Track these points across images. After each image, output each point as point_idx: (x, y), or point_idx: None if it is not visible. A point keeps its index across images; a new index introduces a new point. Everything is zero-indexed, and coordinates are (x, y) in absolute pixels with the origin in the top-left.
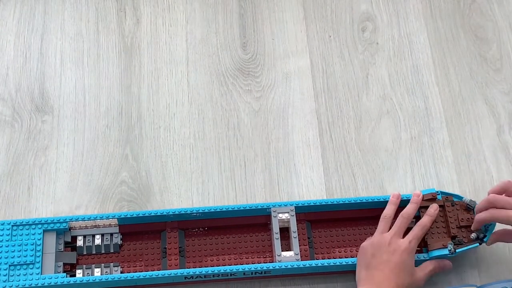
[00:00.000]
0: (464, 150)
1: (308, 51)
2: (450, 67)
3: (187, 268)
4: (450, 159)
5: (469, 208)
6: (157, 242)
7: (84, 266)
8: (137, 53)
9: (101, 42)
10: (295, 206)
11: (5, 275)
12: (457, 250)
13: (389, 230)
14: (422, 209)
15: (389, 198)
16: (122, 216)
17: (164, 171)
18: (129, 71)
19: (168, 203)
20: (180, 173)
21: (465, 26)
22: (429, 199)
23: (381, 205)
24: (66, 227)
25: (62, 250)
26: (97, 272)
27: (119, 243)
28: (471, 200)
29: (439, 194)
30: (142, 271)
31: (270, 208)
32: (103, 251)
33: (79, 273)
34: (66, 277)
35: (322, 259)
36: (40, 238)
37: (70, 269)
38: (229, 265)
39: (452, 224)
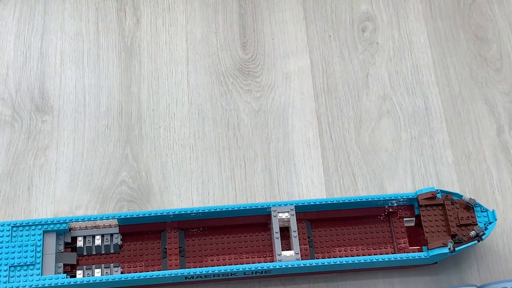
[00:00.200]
0: (464, 150)
1: (308, 51)
2: (450, 67)
3: (187, 268)
4: (450, 159)
5: (468, 206)
6: (157, 242)
7: (85, 266)
8: (137, 53)
9: (101, 42)
10: (295, 206)
11: (5, 276)
12: (456, 249)
13: None
14: (422, 208)
15: (389, 197)
16: (122, 217)
17: (164, 171)
18: (129, 71)
19: (168, 203)
20: (180, 173)
21: (465, 26)
22: (429, 197)
23: (381, 204)
24: (66, 227)
25: (62, 250)
26: (97, 272)
27: (119, 244)
28: (470, 198)
29: (438, 193)
30: (142, 272)
31: (270, 207)
32: (103, 252)
33: (79, 273)
34: (67, 278)
35: (322, 258)
36: (40, 239)
37: (70, 270)
38: (229, 265)
39: (452, 222)
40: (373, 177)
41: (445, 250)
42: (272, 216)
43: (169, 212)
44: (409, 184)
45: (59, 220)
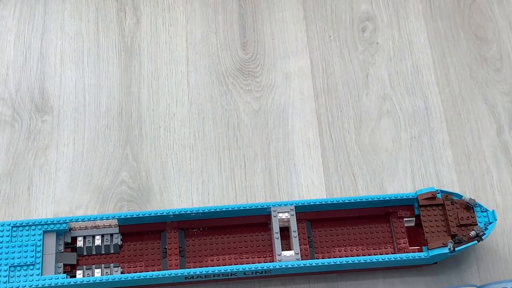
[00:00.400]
0: (464, 150)
1: (308, 51)
2: (450, 67)
3: (187, 268)
4: (450, 159)
5: (468, 206)
6: (157, 242)
7: (85, 266)
8: (137, 53)
9: (101, 42)
10: (295, 206)
11: (5, 276)
12: (456, 249)
13: None
14: (422, 208)
15: (389, 197)
16: (122, 217)
17: (164, 171)
18: (129, 71)
19: (168, 203)
20: (180, 173)
21: (465, 26)
22: (429, 197)
23: (381, 204)
24: (66, 227)
25: (62, 251)
26: (97, 272)
27: (119, 244)
28: (470, 198)
29: (438, 193)
30: (142, 272)
31: (270, 207)
32: (103, 252)
33: (79, 273)
34: (67, 278)
35: (322, 258)
36: (40, 239)
37: (70, 270)
38: (229, 265)
39: (452, 222)
40: (373, 177)
41: (445, 250)
42: (272, 216)
43: (169, 212)
44: (409, 184)
45: (59, 220)
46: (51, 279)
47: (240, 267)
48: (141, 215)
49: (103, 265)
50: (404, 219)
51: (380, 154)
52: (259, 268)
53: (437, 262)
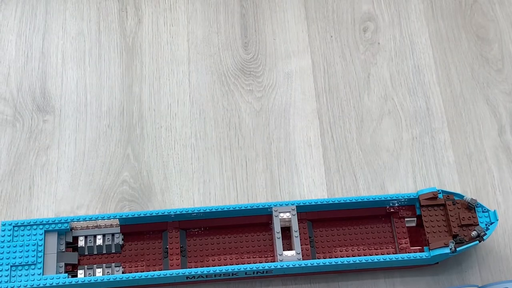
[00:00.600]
0: (465, 150)
1: (310, 51)
2: (452, 67)
3: (189, 268)
4: (451, 159)
5: (470, 207)
6: (158, 242)
7: (86, 266)
8: (139, 53)
9: (103, 42)
10: (296, 206)
11: (7, 276)
12: (457, 249)
13: None
14: (423, 208)
15: (390, 197)
16: (124, 216)
17: (165, 171)
18: (130, 70)
19: (170, 203)
20: (182, 173)
21: (466, 26)
22: (430, 197)
23: (382, 204)
24: (68, 227)
25: (64, 250)
26: (98, 272)
27: (121, 243)
28: (472, 198)
29: (440, 193)
30: (143, 271)
31: (272, 207)
32: (104, 252)
33: (80, 273)
34: (68, 277)
35: (324, 258)
36: (42, 239)
37: (71, 270)
38: (230, 264)
39: (454, 223)
40: (375, 177)
41: (447, 250)
42: (274, 216)
43: (170, 212)
44: (411, 184)
45: (61, 220)
46: (53, 278)
47: (241, 267)
48: (142, 215)
49: (104, 264)
50: (406, 219)
51: (382, 154)
52: (260, 268)
53: (438, 262)
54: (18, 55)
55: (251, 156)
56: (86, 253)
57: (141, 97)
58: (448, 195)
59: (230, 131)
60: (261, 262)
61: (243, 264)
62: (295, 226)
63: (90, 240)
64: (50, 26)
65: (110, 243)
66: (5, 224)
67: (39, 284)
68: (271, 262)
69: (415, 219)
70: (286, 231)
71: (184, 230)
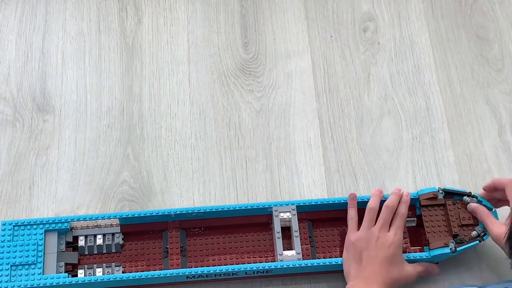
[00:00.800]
0: (465, 150)
1: (310, 51)
2: (452, 67)
3: (189, 267)
4: (451, 159)
5: None
6: (158, 241)
7: (86, 266)
8: (139, 53)
9: (103, 42)
10: (296, 205)
11: (7, 275)
12: (458, 249)
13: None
14: (423, 208)
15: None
16: (124, 216)
17: (165, 171)
18: (130, 70)
19: (170, 203)
20: (182, 173)
21: (466, 26)
22: (430, 197)
23: (382, 204)
24: (68, 227)
25: (64, 250)
26: (99, 272)
27: (121, 243)
28: (472, 198)
29: (441, 193)
30: (144, 271)
31: (272, 207)
32: (104, 251)
33: (81, 273)
34: (68, 277)
35: (324, 258)
36: (42, 238)
37: (72, 269)
38: (230, 264)
39: (454, 223)
40: (375, 177)
41: (447, 250)
42: (274, 216)
43: (170, 212)
44: (411, 184)
45: (61, 220)
46: (53, 278)
47: (242, 266)
48: (142, 215)
49: (104, 264)
50: (406, 219)
51: (382, 154)
52: (261, 268)
53: (439, 262)
54: (18, 55)
55: (251, 156)
56: (86, 252)
57: (141, 97)
58: (449, 192)
59: (230, 131)
60: (261, 262)
61: (243, 264)
62: (295, 226)
63: (90, 239)
64: (50, 26)
65: (110, 242)
66: (5, 223)
67: (39, 284)
68: (271, 262)
69: (415, 219)
70: (286, 231)
71: (184, 230)
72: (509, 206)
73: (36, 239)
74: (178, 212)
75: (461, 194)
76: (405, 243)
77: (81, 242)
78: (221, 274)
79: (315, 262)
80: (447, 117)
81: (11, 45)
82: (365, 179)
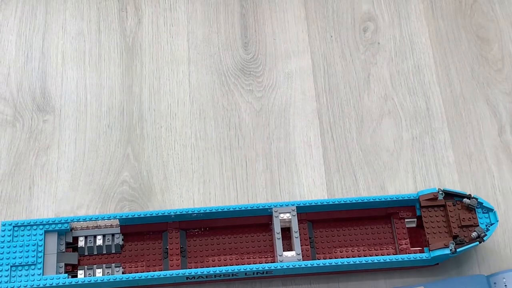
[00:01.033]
0: (465, 150)
1: (310, 51)
2: (452, 68)
3: (189, 268)
4: (451, 159)
5: (470, 207)
6: (158, 242)
7: (86, 266)
8: (139, 53)
9: (103, 42)
10: (296, 206)
11: (6, 276)
12: (458, 250)
13: None
14: (423, 209)
15: (390, 197)
16: (124, 217)
17: (165, 171)
18: (130, 70)
19: (170, 203)
20: (182, 173)
21: (466, 26)
22: (430, 198)
23: (382, 205)
24: (68, 227)
25: (64, 250)
26: (98, 272)
27: (121, 244)
28: (472, 199)
29: (441, 193)
30: (143, 272)
31: (272, 208)
32: (104, 252)
33: (80, 273)
34: (68, 277)
35: (324, 259)
36: (42, 239)
37: (71, 270)
38: (230, 265)
39: (454, 224)
40: (375, 178)
41: (447, 251)
42: (274, 217)
43: (170, 212)
44: (411, 184)
45: (61, 220)
46: (53, 279)
47: (241, 267)
48: (142, 215)
49: (104, 265)
50: (406, 220)
51: (382, 154)
52: (260, 269)
53: (439, 263)
54: (18, 55)
55: (251, 156)
56: (86, 253)
57: (141, 97)
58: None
59: (230, 131)
60: (261, 263)
61: (243, 264)
62: (295, 226)
63: (90, 240)
64: (50, 26)
65: (110, 243)
66: (5, 224)
67: (39, 284)
68: (271, 262)
69: (415, 220)
70: (286, 231)
71: (184, 231)
72: None
73: (36, 240)
74: (178, 213)
75: (461, 196)
76: (405, 244)
77: (81, 242)
78: (221, 275)
79: (315, 263)
80: (447, 117)
81: (11, 45)
82: (365, 179)
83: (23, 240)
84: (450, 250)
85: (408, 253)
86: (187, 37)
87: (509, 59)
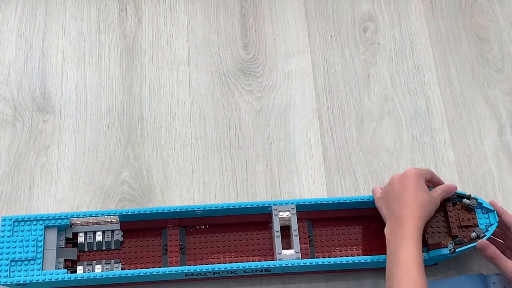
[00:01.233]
0: (465, 150)
1: (310, 51)
2: (452, 68)
3: (188, 265)
4: (451, 159)
5: (469, 208)
6: (158, 239)
7: (85, 262)
8: (139, 53)
9: (103, 42)
10: (296, 205)
11: (6, 271)
12: (457, 250)
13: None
14: None
15: None
16: (124, 213)
17: (165, 171)
18: (130, 70)
19: (170, 203)
20: (182, 173)
21: (466, 26)
22: None
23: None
24: (68, 223)
25: (63, 246)
26: (98, 268)
27: (120, 240)
28: (472, 200)
29: None
30: (143, 268)
31: (271, 206)
32: (104, 248)
33: (80, 269)
34: (67, 273)
35: (323, 257)
36: (42, 234)
37: (71, 266)
38: (229, 263)
39: (453, 224)
40: (375, 178)
41: (446, 251)
42: (273, 215)
43: (170, 210)
44: None
45: (61, 216)
46: (52, 274)
47: (240, 265)
48: (142, 212)
49: (103, 261)
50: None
51: (382, 154)
52: (259, 266)
53: (438, 263)
54: (18, 55)
55: (251, 156)
56: (86, 249)
57: (141, 97)
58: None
59: (230, 131)
60: (260, 261)
61: (242, 262)
62: (294, 225)
63: (89, 236)
64: (50, 26)
65: (109, 239)
66: (5, 219)
67: (38, 280)
68: (270, 260)
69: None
70: (285, 230)
71: (184, 228)
72: None
73: (35, 235)
74: (177, 210)
75: (461, 197)
76: None
77: (81, 238)
78: (220, 272)
79: (314, 261)
80: (447, 117)
81: (11, 45)
82: (365, 179)
83: (23, 235)
84: (449, 250)
85: None
86: (187, 37)
87: (509, 59)
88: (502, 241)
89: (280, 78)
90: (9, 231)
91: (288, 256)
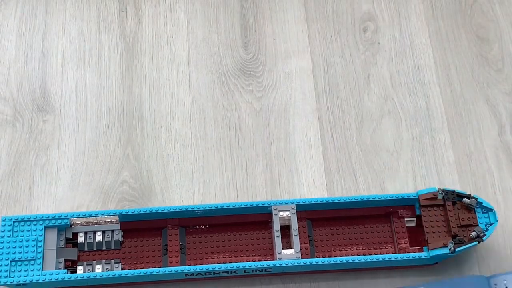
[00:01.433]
0: (465, 150)
1: (310, 51)
2: (452, 68)
3: (188, 265)
4: (451, 159)
5: (470, 207)
6: (158, 239)
7: (85, 262)
8: (139, 53)
9: (103, 42)
10: (296, 204)
11: (6, 271)
12: (457, 249)
13: None
14: (423, 208)
15: (390, 197)
16: (124, 213)
17: (165, 171)
18: (130, 70)
19: (170, 203)
20: (182, 173)
21: (466, 26)
22: (430, 198)
23: (381, 204)
24: (68, 223)
25: (63, 246)
26: (98, 268)
27: (120, 240)
28: (472, 199)
29: (441, 193)
30: (143, 268)
31: (271, 206)
32: (104, 248)
33: (80, 269)
34: (67, 273)
35: (323, 257)
36: (42, 234)
37: (71, 266)
38: (229, 262)
39: (453, 223)
40: (374, 177)
41: (446, 250)
42: (273, 215)
43: (170, 209)
44: (410, 184)
45: (61, 216)
46: (52, 274)
47: (240, 264)
48: (142, 212)
49: (103, 261)
50: (405, 219)
51: (382, 154)
52: (259, 266)
53: (438, 262)
54: (18, 55)
55: (251, 156)
56: (86, 249)
57: (141, 97)
58: (451, 192)
59: (230, 131)
60: (260, 260)
61: (242, 262)
62: (294, 225)
63: (89, 236)
64: (50, 26)
65: (109, 239)
66: (5, 219)
67: (38, 280)
68: (270, 260)
69: (415, 219)
70: (285, 229)
71: (184, 228)
72: None
73: (36, 235)
74: (177, 210)
75: (460, 196)
76: (405, 243)
77: (81, 238)
78: (220, 272)
79: (314, 261)
80: (447, 117)
81: (11, 45)
82: (365, 179)
83: (23, 236)
84: (449, 249)
85: (407, 252)
86: (187, 37)
87: (509, 59)
88: None
89: (280, 78)
90: (9, 231)
91: (288, 256)
